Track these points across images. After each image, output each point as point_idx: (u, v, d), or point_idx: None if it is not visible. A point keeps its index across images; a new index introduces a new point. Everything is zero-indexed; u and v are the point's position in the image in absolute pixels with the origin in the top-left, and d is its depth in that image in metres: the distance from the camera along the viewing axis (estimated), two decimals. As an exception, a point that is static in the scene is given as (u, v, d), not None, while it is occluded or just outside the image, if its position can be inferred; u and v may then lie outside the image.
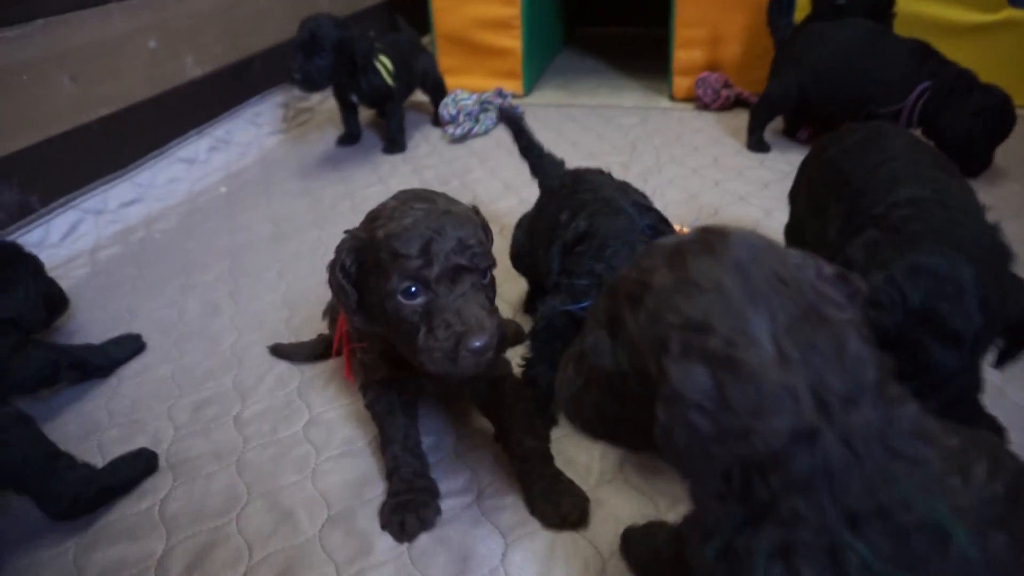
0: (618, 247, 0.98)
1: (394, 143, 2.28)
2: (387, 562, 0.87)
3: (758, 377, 0.44)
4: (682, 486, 0.54)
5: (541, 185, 1.28)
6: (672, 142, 2.20)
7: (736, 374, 0.45)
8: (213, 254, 1.71)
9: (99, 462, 1.03)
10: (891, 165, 0.98)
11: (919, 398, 0.80)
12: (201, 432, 1.13)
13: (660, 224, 1.04)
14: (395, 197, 0.89)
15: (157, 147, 2.06)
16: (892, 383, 0.49)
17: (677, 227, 1.13)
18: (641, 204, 1.07)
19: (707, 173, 1.96)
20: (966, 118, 1.71)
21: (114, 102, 1.91)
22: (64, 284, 1.36)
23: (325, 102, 2.71)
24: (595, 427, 0.62)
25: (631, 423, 0.53)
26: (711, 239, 0.51)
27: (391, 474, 0.96)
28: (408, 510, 0.91)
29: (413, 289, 0.82)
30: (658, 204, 1.14)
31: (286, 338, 1.34)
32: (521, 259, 1.30)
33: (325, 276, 0.90)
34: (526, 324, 1.28)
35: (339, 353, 1.10)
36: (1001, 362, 0.87)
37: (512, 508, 0.94)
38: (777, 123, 2.18)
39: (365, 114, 2.44)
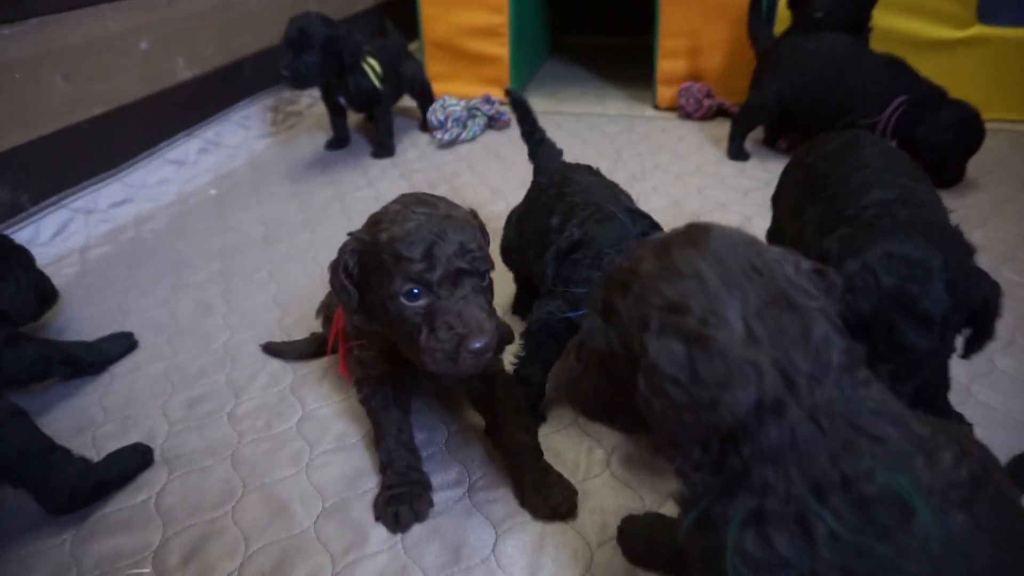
0: (614, 256, 1.01)
1: (383, 147, 2.30)
2: (381, 552, 0.90)
3: (726, 353, 0.49)
4: (671, 470, 0.58)
5: (535, 172, 1.30)
6: (656, 150, 2.25)
7: (707, 349, 0.49)
8: (204, 255, 1.72)
9: (94, 457, 1.04)
10: (864, 171, 1.04)
11: (896, 382, 0.85)
12: (195, 428, 1.14)
13: (652, 230, 1.07)
14: (397, 201, 0.92)
15: (148, 148, 2.07)
16: (860, 368, 0.53)
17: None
18: (634, 211, 1.10)
19: (690, 180, 2.01)
20: (939, 132, 1.78)
21: (106, 102, 1.92)
22: (54, 282, 1.35)
23: (314, 106, 2.73)
24: (594, 409, 0.66)
25: (624, 403, 0.57)
26: (695, 233, 0.56)
27: (385, 467, 0.98)
28: (402, 502, 0.94)
29: (416, 291, 0.84)
30: (643, 209, 1.17)
31: (278, 337, 1.35)
32: (510, 254, 1.32)
33: (316, 277, 0.92)
34: (514, 325, 1.31)
35: (335, 350, 1.12)
36: (968, 351, 0.92)
37: (503, 500, 0.97)
38: (758, 133, 2.24)
39: (354, 119, 2.46)
